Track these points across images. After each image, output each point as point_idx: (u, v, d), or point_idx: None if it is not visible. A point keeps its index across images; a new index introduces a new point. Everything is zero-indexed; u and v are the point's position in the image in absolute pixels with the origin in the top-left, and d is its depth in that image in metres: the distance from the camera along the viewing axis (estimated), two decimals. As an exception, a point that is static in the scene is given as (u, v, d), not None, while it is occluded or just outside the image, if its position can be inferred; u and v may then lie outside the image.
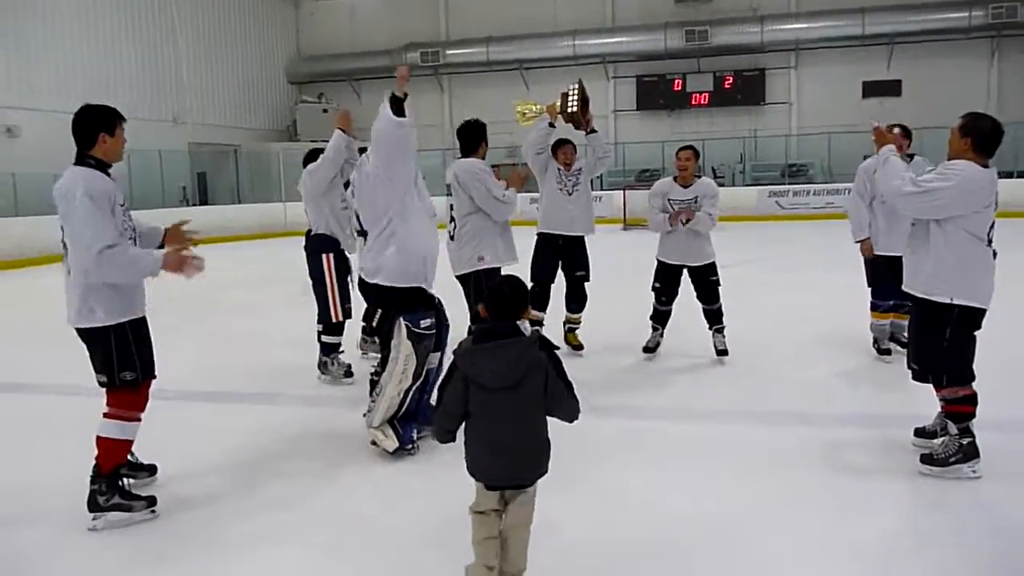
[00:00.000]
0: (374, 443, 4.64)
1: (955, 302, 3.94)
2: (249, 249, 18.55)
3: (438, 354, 4.70)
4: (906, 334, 5.48)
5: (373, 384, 4.69)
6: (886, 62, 24.21)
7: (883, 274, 6.13)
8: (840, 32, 23.82)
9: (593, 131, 6.89)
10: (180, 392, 6.01)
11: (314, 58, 28.08)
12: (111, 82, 20.27)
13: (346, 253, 6.28)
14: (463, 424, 2.90)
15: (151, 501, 3.88)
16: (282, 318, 9.37)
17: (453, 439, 2.95)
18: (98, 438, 3.82)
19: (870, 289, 6.40)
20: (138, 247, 3.82)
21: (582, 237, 6.81)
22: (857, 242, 6.29)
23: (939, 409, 4.35)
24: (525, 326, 2.93)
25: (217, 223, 20.37)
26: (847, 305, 7.83)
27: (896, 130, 4.54)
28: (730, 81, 24.99)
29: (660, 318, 6.71)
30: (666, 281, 6.56)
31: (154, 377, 3.93)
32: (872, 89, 24.50)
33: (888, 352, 6.36)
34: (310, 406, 5.86)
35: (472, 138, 5.96)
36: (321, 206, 6.23)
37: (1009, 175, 21.10)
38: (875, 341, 6.48)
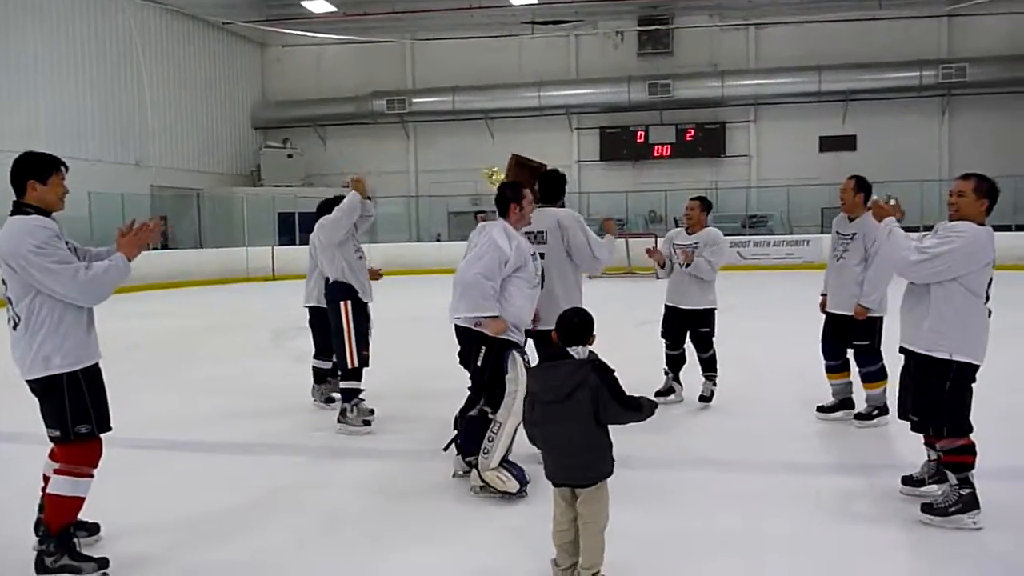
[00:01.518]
0: (481, 488, 4.53)
1: (954, 359, 4.01)
2: (211, 294, 18.35)
3: None
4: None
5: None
6: (841, 117, 24.90)
7: (826, 332, 6.16)
8: (797, 88, 24.48)
9: None
10: (143, 440, 5.91)
11: (279, 103, 28.12)
12: (75, 125, 20.10)
13: (362, 299, 6.23)
14: None
15: (102, 563, 3.65)
16: (250, 366, 9.24)
17: None
18: (48, 496, 3.63)
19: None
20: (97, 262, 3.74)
21: None
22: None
23: (925, 458, 4.44)
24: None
25: (179, 268, 20.20)
26: (815, 353, 7.94)
27: (892, 201, 4.66)
28: (691, 133, 25.48)
29: (671, 363, 6.78)
30: (668, 324, 6.71)
31: (109, 430, 3.73)
32: (829, 144, 25.13)
33: (826, 410, 6.18)
34: (283, 454, 5.77)
35: (557, 188, 5.76)
36: (335, 256, 6.20)
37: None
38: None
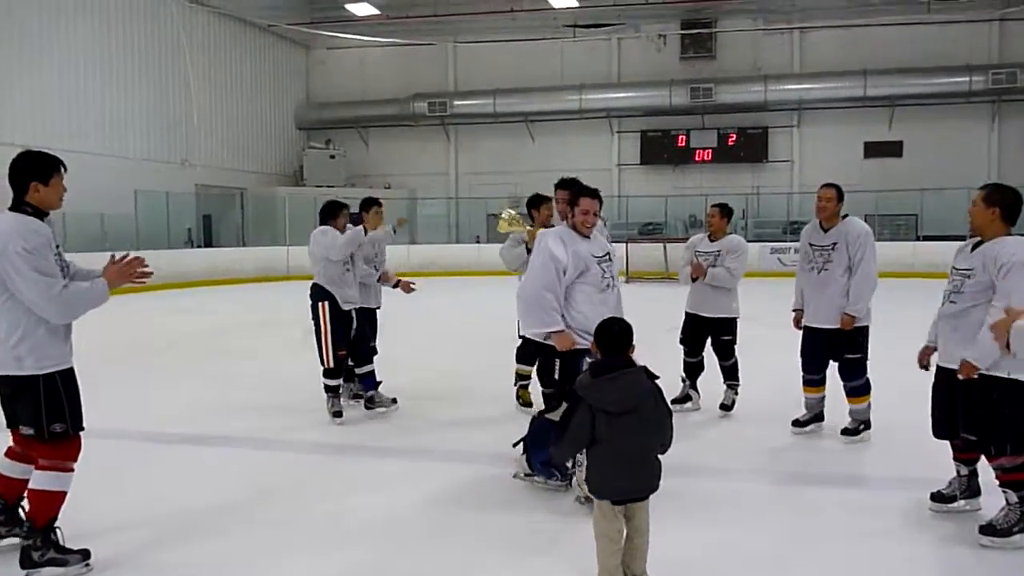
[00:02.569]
0: (585, 499, 4.32)
1: (1012, 376, 3.92)
2: (252, 292, 18.61)
3: None
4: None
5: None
6: (887, 123, 24.50)
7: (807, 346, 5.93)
8: (842, 93, 24.14)
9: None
10: (174, 435, 6.11)
11: (323, 104, 28.44)
12: (122, 124, 20.54)
13: (342, 307, 6.45)
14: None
15: (85, 554, 3.72)
16: (282, 363, 9.36)
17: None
18: (31, 491, 3.67)
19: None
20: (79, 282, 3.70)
21: None
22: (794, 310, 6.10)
23: (954, 474, 4.36)
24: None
25: (221, 265, 20.53)
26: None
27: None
28: (733, 138, 25.26)
29: (688, 370, 6.72)
30: (688, 331, 6.66)
31: (82, 429, 3.73)
32: (874, 150, 24.76)
33: (801, 424, 6.01)
34: (296, 451, 5.87)
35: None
36: (324, 267, 6.49)
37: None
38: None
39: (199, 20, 23.31)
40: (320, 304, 6.43)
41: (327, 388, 6.53)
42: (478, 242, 25.55)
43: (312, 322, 6.51)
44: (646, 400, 3.33)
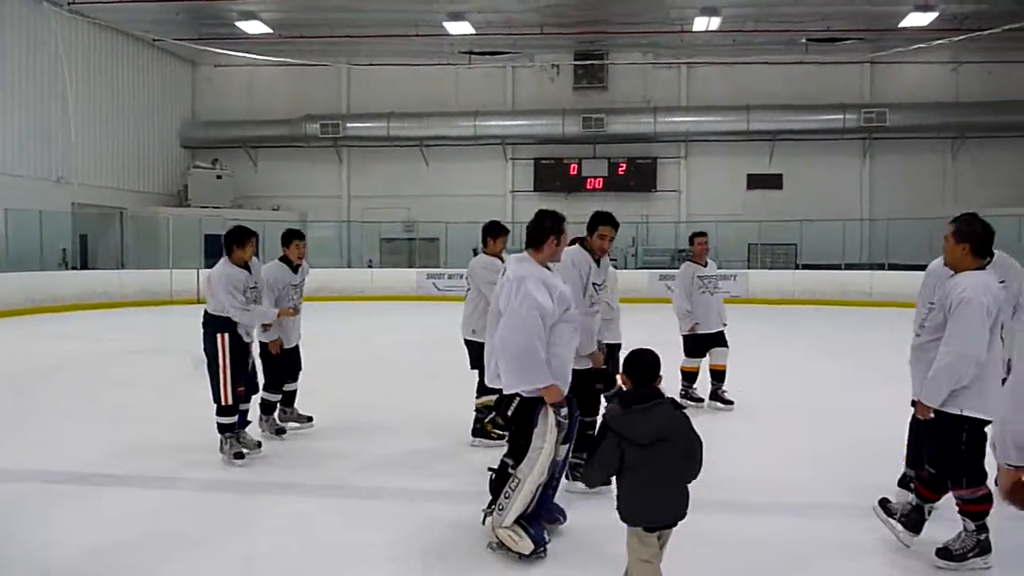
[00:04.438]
0: (498, 546, 4.28)
1: (965, 414, 4.01)
2: (133, 317, 17.80)
3: (565, 447, 4.43)
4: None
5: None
6: (768, 157, 25.58)
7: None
8: (727, 127, 25.07)
9: None
10: (66, 474, 5.71)
11: (210, 123, 27.63)
12: (-9, 137, 19.43)
13: (243, 338, 6.05)
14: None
15: None
16: (172, 393, 8.95)
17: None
18: None
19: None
20: None
21: None
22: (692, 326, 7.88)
23: (907, 499, 4.45)
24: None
25: (99, 289, 19.56)
26: (749, 381, 8.20)
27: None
28: (624, 168, 25.84)
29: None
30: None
31: None
32: (756, 182, 25.78)
33: (699, 400, 7.84)
34: (208, 490, 5.58)
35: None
36: (220, 298, 5.99)
37: (880, 267, 22.41)
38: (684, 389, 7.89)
39: (79, 31, 22.27)
40: (220, 336, 5.89)
41: (222, 428, 6.00)
42: (370, 266, 25.26)
43: (205, 354, 5.97)
44: (676, 430, 3.38)
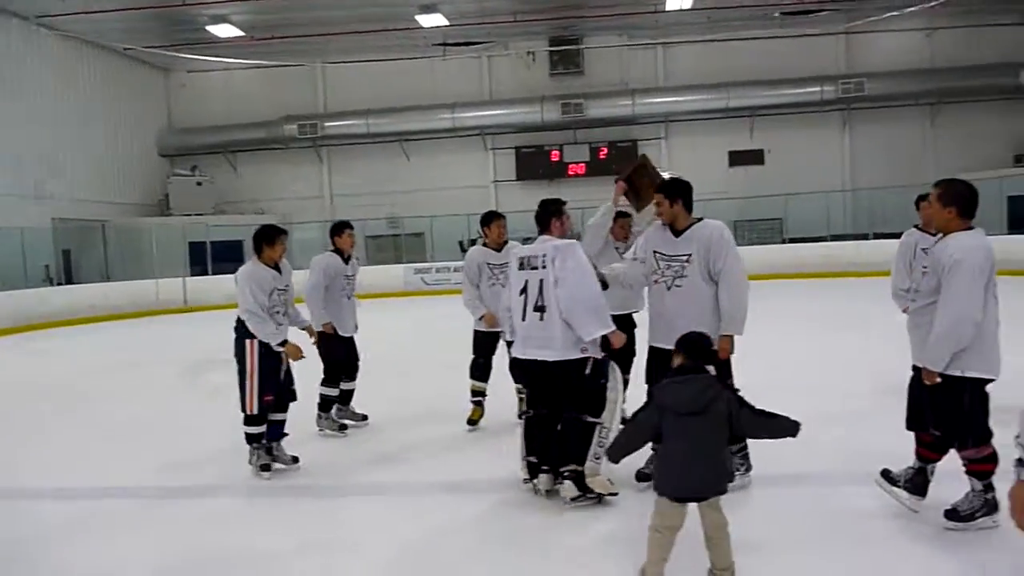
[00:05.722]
0: (577, 497, 4.70)
1: (967, 375, 4.03)
2: (120, 329, 17.67)
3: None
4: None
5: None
6: (749, 133, 25.58)
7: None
8: (706, 105, 25.05)
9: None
10: (54, 490, 5.63)
11: (187, 130, 27.40)
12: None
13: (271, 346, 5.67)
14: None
15: None
16: (166, 404, 8.86)
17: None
18: None
19: None
20: None
21: None
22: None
23: (908, 465, 4.45)
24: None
25: (85, 303, 19.39)
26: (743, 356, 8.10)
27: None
28: (605, 152, 25.77)
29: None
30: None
31: None
32: (737, 159, 25.79)
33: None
34: (188, 497, 5.53)
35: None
36: (238, 298, 5.75)
37: (864, 237, 22.47)
38: None
39: (48, 43, 22.00)
40: (248, 341, 5.63)
41: (249, 438, 5.77)
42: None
43: (236, 360, 5.72)
44: (717, 405, 3.52)
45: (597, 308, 4.74)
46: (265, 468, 5.75)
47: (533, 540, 4.40)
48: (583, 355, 4.77)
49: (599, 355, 4.81)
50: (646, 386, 4.88)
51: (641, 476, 4.97)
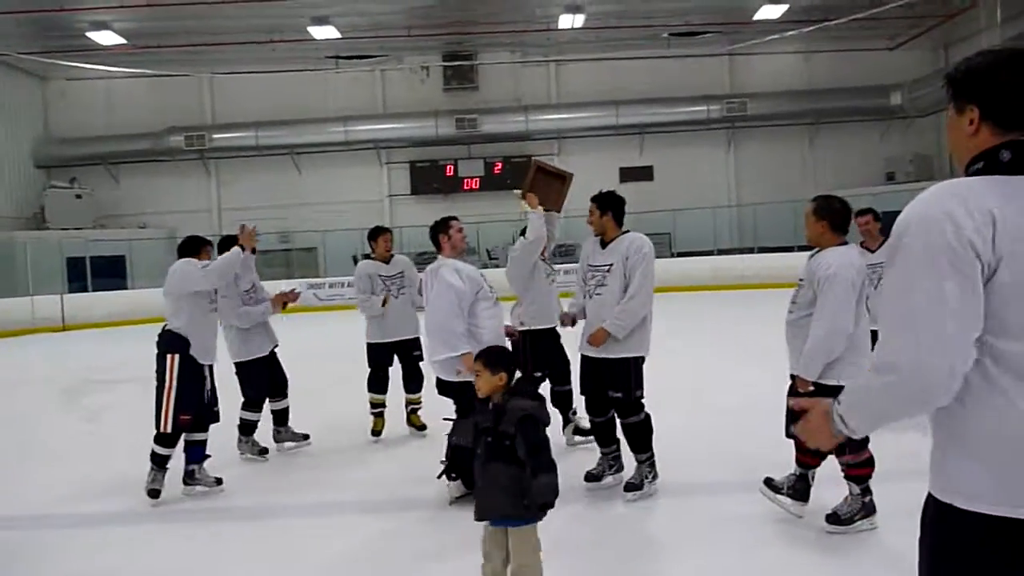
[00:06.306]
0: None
1: (842, 383, 4.06)
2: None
3: None
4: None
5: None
6: (639, 150, 26.23)
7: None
8: (597, 122, 25.55)
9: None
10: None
11: (65, 140, 26.14)
12: None
13: (198, 360, 5.55)
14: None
15: None
16: (48, 426, 8.42)
17: None
18: None
19: None
20: None
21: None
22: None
23: (791, 472, 4.57)
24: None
25: (-50, 321, 18.26)
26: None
27: None
28: (499, 167, 25.93)
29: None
30: None
31: None
32: (628, 175, 26.31)
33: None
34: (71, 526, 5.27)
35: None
36: (181, 304, 5.58)
37: (750, 250, 23.32)
38: None
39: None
40: (170, 357, 5.45)
41: (155, 458, 5.50)
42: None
43: (156, 375, 5.51)
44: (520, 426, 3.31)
45: (440, 331, 4.91)
46: (153, 494, 5.50)
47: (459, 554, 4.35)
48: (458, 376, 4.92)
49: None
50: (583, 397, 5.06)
51: (590, 477, 5.13)
